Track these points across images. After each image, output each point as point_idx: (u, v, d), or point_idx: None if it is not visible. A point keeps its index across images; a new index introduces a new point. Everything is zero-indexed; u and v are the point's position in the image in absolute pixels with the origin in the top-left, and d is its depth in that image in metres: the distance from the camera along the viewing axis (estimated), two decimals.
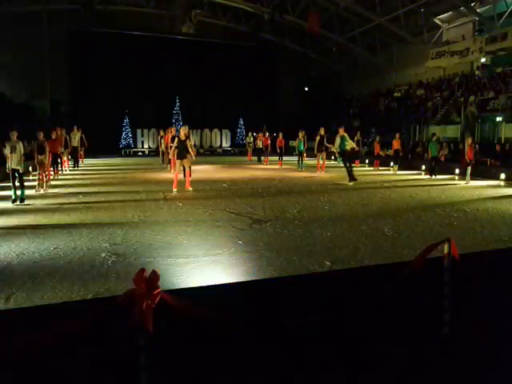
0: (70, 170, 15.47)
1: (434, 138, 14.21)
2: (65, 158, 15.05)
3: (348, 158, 11.91)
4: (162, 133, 17.49)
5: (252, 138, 22.20)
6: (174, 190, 9.64)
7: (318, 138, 14.58)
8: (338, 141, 11.65)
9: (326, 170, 14.81)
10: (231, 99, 28.87)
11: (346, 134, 11.62)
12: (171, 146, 12.18)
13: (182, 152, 9.75)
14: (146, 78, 26.22)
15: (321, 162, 14.78)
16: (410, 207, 7.90)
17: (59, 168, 13.67)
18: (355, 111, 27.90)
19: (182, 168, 10.57)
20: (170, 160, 15.05)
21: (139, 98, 26.19)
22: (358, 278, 3.02)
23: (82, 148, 17.57)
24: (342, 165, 19.47)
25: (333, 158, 22.46)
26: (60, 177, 13.05)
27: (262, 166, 18.26)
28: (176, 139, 9.90)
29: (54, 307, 2.61)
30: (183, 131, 9.78)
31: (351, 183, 11.31)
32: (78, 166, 16.66)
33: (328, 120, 29.05)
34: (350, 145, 11.68)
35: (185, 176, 10.48)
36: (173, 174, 12.86)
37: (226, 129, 29.69)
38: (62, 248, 4.95)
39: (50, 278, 3.91)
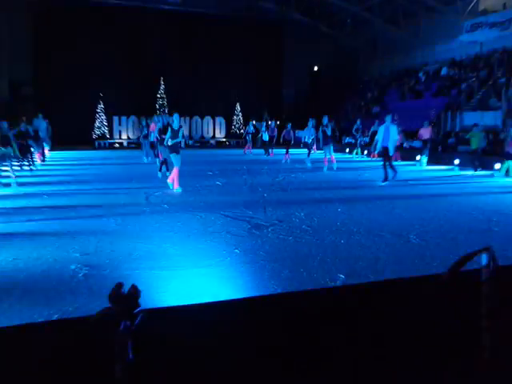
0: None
1: (477, 128, 14.31)
2: (34, 150, 15.33)
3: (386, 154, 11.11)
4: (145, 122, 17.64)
5: (252, 128, 22.27)
6: (177, 188, 9.81)
7: (321, 128, 14.65)
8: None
9: (334, 165, 14.80)
10: (226, 81, 28.88)
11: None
12: (159, 138, 12.23)
13: (176, 144, 9.80)
14: (125, 56, 26.27)
15: (328, 156, 14.73)
16: (440, 209, 7.89)
17: (30, 162, 13.96)
18: (374, 95, 27.92)
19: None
20: (157, 154, 15.17)
21: (116, 80, 26.21)
22: (377, 295, 3.01)
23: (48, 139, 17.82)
24: (360, 159, 19.74)
25: (347, 150, 22.52)
26: (18, 174, 13.04)
27: (265, 160, 18.34)
28: (169, 129, 9.94)
29: (12, 331, 2.59)
30: (176, 119, 9.90)
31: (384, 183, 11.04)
32: (43, 161, 16.82)
33: (342, 106, 29.10)
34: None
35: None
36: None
37: (220, 116, 29.72)
38: (22, 259, 4.93)
39: (7, 296, 3.89)
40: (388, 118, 11.18)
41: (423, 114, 20.96)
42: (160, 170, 12.40)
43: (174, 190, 9.80)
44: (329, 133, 14.51)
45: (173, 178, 9.92)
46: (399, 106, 23.39)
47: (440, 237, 5.98)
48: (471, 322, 2.82)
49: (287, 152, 17.94)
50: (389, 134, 10.94)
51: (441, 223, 6.81)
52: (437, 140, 19.13)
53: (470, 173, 13.83)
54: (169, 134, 9.89)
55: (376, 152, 11.58)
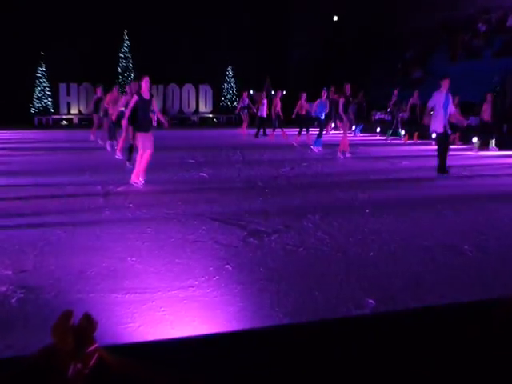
0: None
1: None
2: None
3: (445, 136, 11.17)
4: (99, 91, 17.70)
5: (247, 100, 22.43)
6: (137, 181, 9.80)
7: (341, 99, 14.80)
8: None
9: (349, 149, 14.90)
10: (213, 37, 28.80)
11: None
12: (122, 111, 12.24)
13: (147, 119, 9.82)
14: (74, 1, 26.16)
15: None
16: (505, 211, 7.92)
17: None
18: (415, 55, 27.89)
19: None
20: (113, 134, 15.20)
21: (63, 35, 26.09)
22: (420, 326, 3.01)
23: None
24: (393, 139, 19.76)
25: (378, 129, 22.54)
26: None
27: (267, 144, 18.43)
28: (136, 97, 9.94)
29: None
30: (146, 84, 9.87)
31: (444, 175, 11.03)
32: None
33: (371, 70, 29.04)
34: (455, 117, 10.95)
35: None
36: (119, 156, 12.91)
37: (206, 84, 29.67)
38: None
39: None
40: (445, 84, 11.06)
41: (482, 81, 20.89)
42: (129, 159, 12.42)
43: (137, 183, 9.80)
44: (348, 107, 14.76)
45: (138, 171, 9.87)
46: (449, 70, 23.35)
47: (504, 248, 5.99)
48: None
49: (307, 131, 18.17)
50: (449, 104, 10.93)
51: (505, 230, 6.82)
52: (499, 116, 19.04)
53: None
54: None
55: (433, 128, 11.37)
